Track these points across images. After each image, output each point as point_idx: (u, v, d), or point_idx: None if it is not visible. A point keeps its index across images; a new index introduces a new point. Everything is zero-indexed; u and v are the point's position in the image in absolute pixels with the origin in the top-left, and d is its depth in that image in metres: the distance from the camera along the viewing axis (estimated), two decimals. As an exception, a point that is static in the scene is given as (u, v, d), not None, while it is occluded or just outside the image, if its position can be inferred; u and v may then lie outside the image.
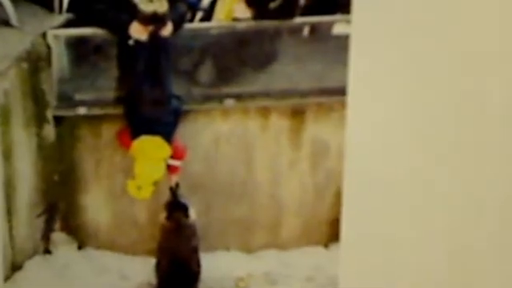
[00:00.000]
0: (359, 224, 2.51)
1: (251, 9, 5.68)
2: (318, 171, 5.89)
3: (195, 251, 5.54)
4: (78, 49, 5.57)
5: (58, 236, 5.73)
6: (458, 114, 2.20)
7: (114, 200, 5.77)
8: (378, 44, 2.32)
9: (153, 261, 5.58)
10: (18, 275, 5.42)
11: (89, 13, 5.53)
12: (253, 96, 5.76)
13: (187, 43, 5.67)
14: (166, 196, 5.56)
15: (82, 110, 5.59)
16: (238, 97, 5.73)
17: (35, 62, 5.38)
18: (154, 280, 5.58)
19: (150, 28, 5.38)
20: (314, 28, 5.95)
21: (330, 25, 5.86)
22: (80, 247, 5.78)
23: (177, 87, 5.60)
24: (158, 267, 5.54)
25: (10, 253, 5.33)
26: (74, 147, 5.67)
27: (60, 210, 5.72)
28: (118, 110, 5.57)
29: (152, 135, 5.44)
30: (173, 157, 5.54)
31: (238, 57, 5.72)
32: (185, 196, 5.57)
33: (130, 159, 5.51)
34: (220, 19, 5.74)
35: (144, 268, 5.63)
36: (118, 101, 5.58)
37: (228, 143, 5.80)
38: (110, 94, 5.60)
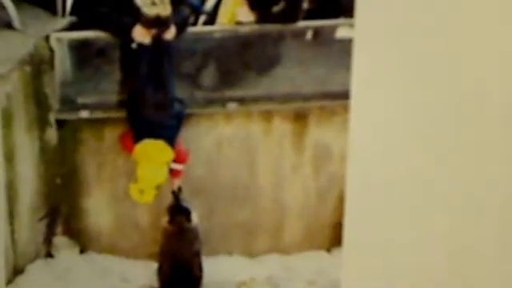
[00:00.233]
0: (361, 228, 2.50)
1: (254, 12, 5.67)
2: (321, 175, 5.88)
3: (197, 255, 5.53)
4: (81, 52, 5.56)
5: (60, 240, 5.72)
6: (460, 118, 2.20)
7: (116, 204, 5.76)
8: (381, 48, 2.32)
9: (155, 265, 5.57)
10: (20, 279, 5.41)
11: (92, 16, 5.53)
12: (256, 100, 5.75)
13: (190, 47, 5.66)
14: (168, 200, 5.55)
15: (84, 114, 5.59)
16: (241, 100, 5.73)
17: (38, 65, 5.37)
18: (156, 284, 5.57)
19: (153, 31, 5.37)
20: (317, 32, 5.94)
21: (333, 29, 5.86)
22: (82, 251, 5.77)
23: (180, 91, 5.59)
24: (160, 271, 5.53)
25: (12, 256, 5.32)
26: (76, 151, 5.66)
27: (62, 213, 5.71)
28: (120, 114, 5.57)
29: (155, 139, 5.44)
30: (175, 160, 5.54)
31: (241, 60, 5.71)
32: (187, 200, 5.57)
33: (133, 163, 5.51)
34: (223, 23, 5.73)
35: (146, 272, 5.62)
36: (120, 104, 5.57)
37: (231, 147, 5.80)
38: (113, 98, 5.59)
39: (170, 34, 5.42)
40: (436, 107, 2.25)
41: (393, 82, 2.33)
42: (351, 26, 5.08)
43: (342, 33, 5.77)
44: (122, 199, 5.69)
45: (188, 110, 5.64)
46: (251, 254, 5.93)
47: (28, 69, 5.31)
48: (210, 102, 5.73)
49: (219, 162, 5.80)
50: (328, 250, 5.94)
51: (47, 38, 5.43)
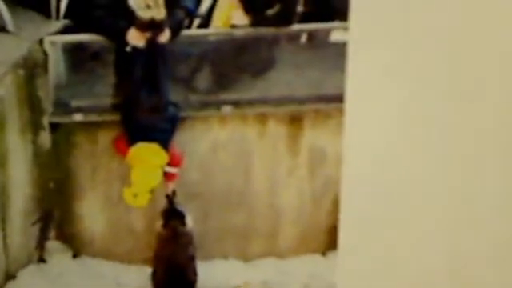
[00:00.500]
0: (357, 232, 2.48)
1: (249, 16, 5.66)
2: (316, 178, 5.86)
3: (192, 259, 5.51)
4: (75, 55, 5.55)
5: (53, 244, 5.69)
6: (457, 121, 2.19)
7: (110, 208, 5.74)
8: (376, 51, 2.31)
9: (149, 269, 5.55)
10: (12, 284, 5.39)
11: (86, 19, 5.51)
12: (250, 103, 5.74)
13: (185, 50, 5.65)
14: (162, 204, 5.53)
15: (78, 117, 5.57)
16: (236, 104, 5.71)
17: (31, 69, 5.35)
18: (150, 289, 5.55)
19: (148, 35, 5.36)
20: (311, 35, 5.94)
21: (328, 32, 5.86)
22: (75, 256, 5.75)
23: (174, 94, 5.58)
24: (155, 276, 5.51)
25: (4, 262, 5.29)
26: (69, 154, 5.64)
27: (55, 217, 5.69)
28: (114, 117, 5.55)
29: (149, 142, 5.42)
30: (170, 164, 5.52)
31: (236, 63, 5.71)
32: (181, 204, 5.55)
33: (127, 166, 5.48)
34: (218, 26, 5.72)
35: (140, 277, 5.60)
36: (114, 107, 5.56)
37: (225, 150, 5.78)
38: (107, 101, 5.57)
39: (165, 37, 5.41)
40: (432, 110, 2.23)
41: (388, 85, 2.32)
42: (346, 29, 5.06)
43: (336, 36, 5.77)
44: (115, 203, 5.67)
45: (182, 114, 5.62)
46: (246, 258, 5.91)
47: (22, 72, 5.29)
48: (204, 106, 5.71)
49: (214, 165, 5.79)
50: (323, 254, 5.93)
51: (41, 42, 5.41)
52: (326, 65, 5.69)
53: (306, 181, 5.87)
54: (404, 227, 2.38)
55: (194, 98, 5.70)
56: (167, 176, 5.56)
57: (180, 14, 5.58)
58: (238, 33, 5.70)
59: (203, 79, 5.73)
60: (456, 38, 2.12)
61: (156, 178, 5.42)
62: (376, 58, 2.31)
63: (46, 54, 5.41)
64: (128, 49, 5.37)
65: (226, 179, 5.81)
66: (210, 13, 5.73)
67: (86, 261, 5.72)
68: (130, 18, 5.36)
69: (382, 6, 2.26)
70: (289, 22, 5.72)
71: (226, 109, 5.71)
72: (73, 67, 5.58)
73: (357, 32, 2.34)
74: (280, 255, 5.93)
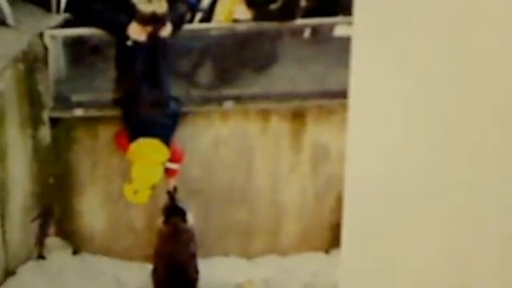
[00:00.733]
0: (360, 229, 2.46)
1: (252, 10, 5.63)
2: (319, 175, 5.83)
3: (193, 257, 5.48)
4: (76, 49, 5.52)
5: (53, 241, 5.67)
6: (460, 117, 2.16)
7: (110, 204, 5.71)
8: (380, 46, 2.28)
9: (150, 267, 5.51)
10: (11, 281, 5.37)
11: (87, 13, 5.48)
12: (253, 98, 5.70)
13: (186, 44, 5.62)
14: (163, 200, 5.50)
15: (78, 112, 5.54)
16: (238, 99, 5.68)
17: (31, 63, 5.32)
18: (150, 286, 5.51)
19: (149, 29, 5.33)
20: (315, 30, 5.91)
21: (332, 27, 5.83)
22: (75, 252, 5.72)
23: (175, 89, 5.54)
24: (155, 273, 5.48)
25: (3, 258, 5.27)
26: (70, 149, 5.61)
27: (55, 214, 5.66)
28: (115, 112, 5.51)
29: (150, 138, 5.39)
30: (171, 160, 5.49)
31: (238, 58, 5.67)
32: (183, 200, 5.51)
33: (127, 162, 5.45)
34: (220, 20, 5.69)
35: (141, 274, 5.58)
36: (115, 102, 5.53)
37: (227, 146, 5.75)
38: (108, 96, 5.54)
39: (166, 31, 5.37)
40: (435, 106, 2.21)
41: (392, 81, 2.29)
42: (349, 23, 5.03)
43: (340, 31, 5.74)
44: (116, 199, 5.64)
45: (184, 109, 5.59)
46: (248, 255, 5.88)
47: (21, 66, 5.26)
48: (206, 101, 5.68)
49: (215, 161, 5.75)
50: (326, 252, 5.89)
51: (41, 35, 5.38)
52: (330, 60, 5.65)
53: (309, 177, 5.83)
54: (407, 225, 2.36)
55: (195, 93, 5.67)
56: (168, 172, 5.52)
57: (182, 8, 5.55)
58: (241, 27, 5.66)
59: (205, 74, 5.70)
60: (460, 33, 2.10)
61: (157, 175, 5.39)
62: (380, 53, 2.29)
63: (46, 48, 5.38)
64: (129, 43, 5.35)
65: (227, 175, 5.77)
66: (212, 7, 5.70)
67: (85, 257, 5.70)
68: (131, 12, 5.34)
69: (386, 0, 2.23)
70: (292, 17, 5.69)
71: (228, 104, 5.67)
72: (73, 61, 5.55)
73: (361, 27, 2.32)
74: (282, 253, 5.90)
